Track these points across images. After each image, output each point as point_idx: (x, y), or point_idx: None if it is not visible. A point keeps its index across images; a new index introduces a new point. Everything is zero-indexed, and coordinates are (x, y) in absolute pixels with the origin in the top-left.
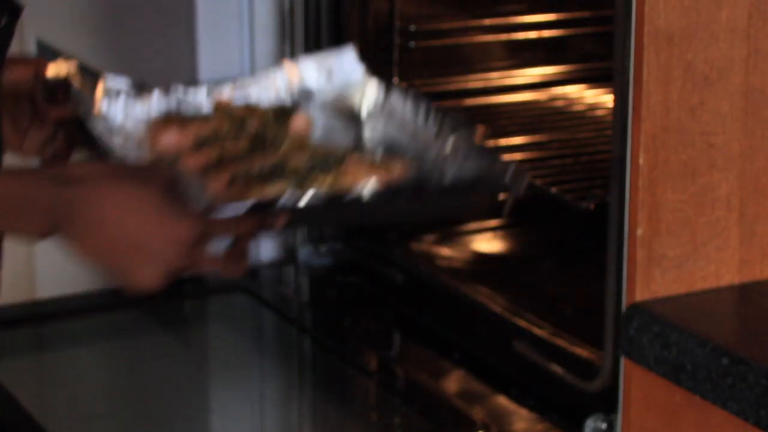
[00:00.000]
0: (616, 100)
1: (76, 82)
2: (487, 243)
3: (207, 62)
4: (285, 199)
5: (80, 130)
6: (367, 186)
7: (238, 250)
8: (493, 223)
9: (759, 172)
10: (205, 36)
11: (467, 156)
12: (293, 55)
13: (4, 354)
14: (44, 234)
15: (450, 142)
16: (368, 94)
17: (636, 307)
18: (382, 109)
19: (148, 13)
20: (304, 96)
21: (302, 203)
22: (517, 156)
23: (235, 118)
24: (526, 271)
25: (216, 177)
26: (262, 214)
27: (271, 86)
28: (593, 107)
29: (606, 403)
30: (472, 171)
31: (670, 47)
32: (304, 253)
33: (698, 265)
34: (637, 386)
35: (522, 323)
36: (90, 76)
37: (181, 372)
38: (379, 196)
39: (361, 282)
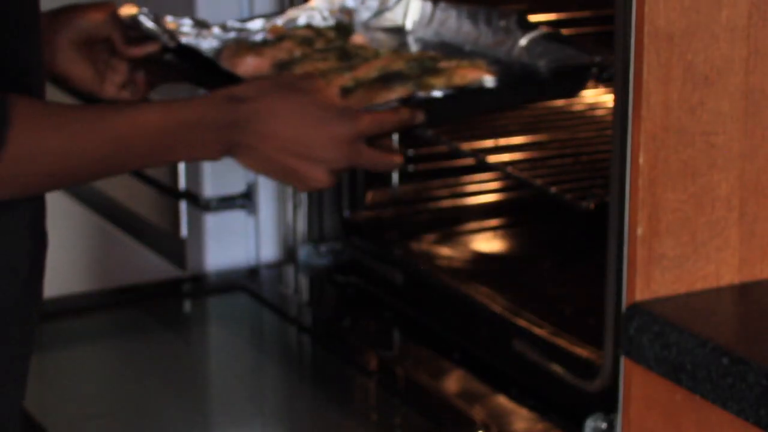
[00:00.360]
0: (616, 100)
1: (147, 21)
2: (487, 243)
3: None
4: (421, 96)
5: (160, 67)
6: (485, 78)
7: (387, 145)
8: (494, 223)
9: (759, 172)
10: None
11: (547, 46)
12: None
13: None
14: (221, 153)
15: (525, 37)
16: (412, 8)
17: (636, 307)
18: (431, 19)
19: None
20: (345, 15)
21: (439, 95)
22: (517, 156)
23: (304, 40)
24: (526, 271)
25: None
26: (404, 110)
27: (315, 11)
28: (593, 107)
29: (606, 403)
30: (564, 56)
31: (670, 47)
32: (304, 253)
33: (698, 265)
34: (637, 386)
35: (522, 323)
36: (152, 15)
37: (181, 372)
38: (499, 85)
39: (361, 282)
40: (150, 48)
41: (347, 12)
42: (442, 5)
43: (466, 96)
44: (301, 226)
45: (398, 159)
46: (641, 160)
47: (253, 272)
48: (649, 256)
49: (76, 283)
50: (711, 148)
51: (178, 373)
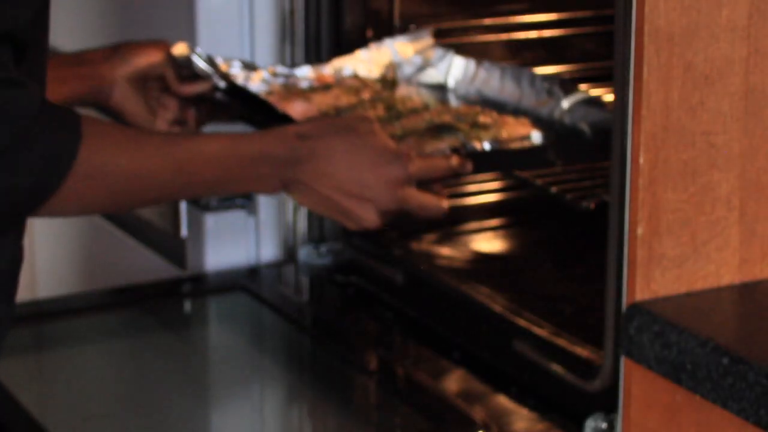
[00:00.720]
0: (616, 100)
1: (200, 61)
2: (487, 243)
3: None
4: (471, 147)
5: (211, 105)
6: (533, 135)
7: (436, 190)
8: (494, 223)
9: (759, 172)
10: (205, 36)
11: (588, 109)
12: (293, 55)
13: (4, 354)
14: (278, 188)
15: (568, 99)
16: (455, 65)
17: (636, 307)
18: (473, 78)
19: (148, 13)
20: (390, 69)
21: (488, 148)
22: None
23: (351, 89)
24: (526, 271)
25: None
26: (455, 158)
27: (360, 62)
28: None
29: (606, 403)
30: (604, 119)
31: (670, 47)
32: (304, 253)
33: (698, 265)
34: (638, 386)
35: (522, 323)
36: (204, 55)
37: (181, 372)
38: (545, 142)
39: (361, 282)
40: (202, 87)
41: (391, 66)
42: (486, 64)
43: (513, 151)
44: (301, 226)
45: (445, 204)
46: (641, 160)
47: (253, 272)
48: (649, 256)
49: (76, 283)
50: (711, 148)
51: (178, 373)
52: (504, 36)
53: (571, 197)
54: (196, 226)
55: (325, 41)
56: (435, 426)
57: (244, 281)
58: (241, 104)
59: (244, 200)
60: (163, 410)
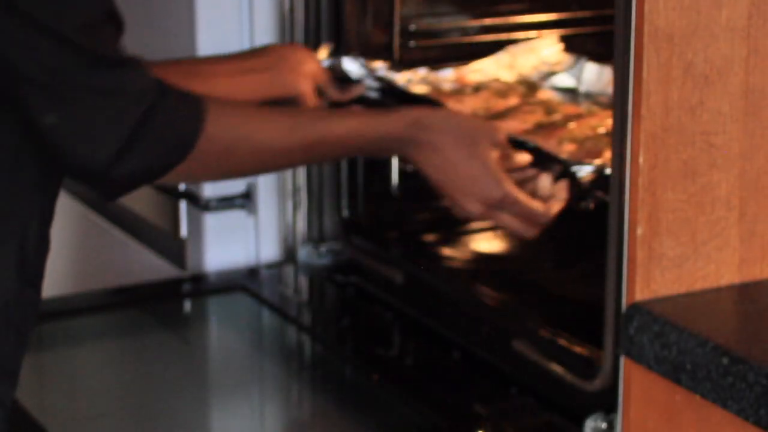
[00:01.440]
0: (616, 100)
1: (352, 64)
2: (487, 243)
3: None
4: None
5: (366, 106)
6: None
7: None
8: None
9: (759, 172)
10: (204, 36)
11: None
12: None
13: None
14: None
15: None
16: (587, 70)
17: (636, 307)
18: (608, 82)
19: (148, 12)
20: (534, 73)
21: None
22: None
23: (499, 92)
24: (526, 271)
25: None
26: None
27: (503, 66)
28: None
29: (606, 403)
30: None
31: (670, 47)
32: (304, 253)
33: (698, 265)
34: (637, 386)
35: (522, 323)
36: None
37: (181, 372)
38: None
39: (361, 282)
40: (358, 90)
41: (535, 69)
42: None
43: None
44: (301, 226)
45: (531, 233)
46: (641, 160)
47: (253, 272)
48: (649, 256)
49: (76, 283)
50: (711, 148)
51: (178, 373)
52: (504, 36)
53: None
54: (195, 226)
55: (325, 41)
56: (435, 426)
57: (244, 281)
58: (395, 103)
59: (244, 200)
60: (163, 410)
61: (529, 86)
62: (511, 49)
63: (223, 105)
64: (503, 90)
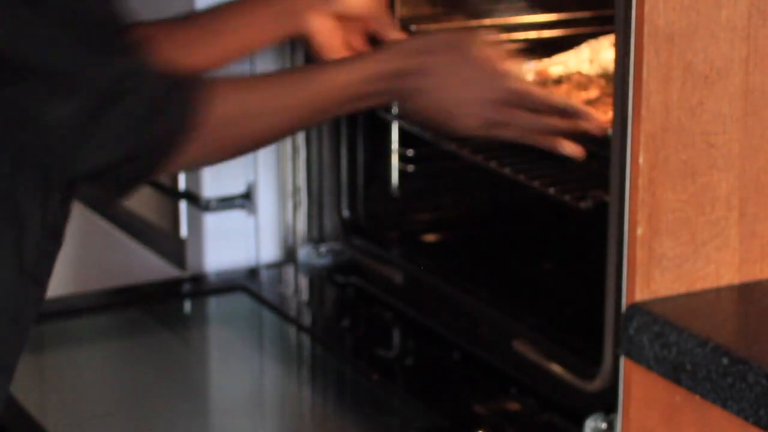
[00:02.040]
0: (615, 100)
1: None
2: (487, 243)
3: None
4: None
5: None
6: None
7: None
8: (493, 223)
9: (759, 172)
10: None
11: None
12: (293, 54)
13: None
14: (388, 101)
15: None
16: None
17: (636, 307)
18: None
19: (148, 11)
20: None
21: None
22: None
23: (579, 84)
24: (526, 271)
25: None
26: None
27: (583, 60)
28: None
29: (606, 403)
30: None
31: (670, 47)
32: (304, 253)
33: (698, 265)
34: (637, 386)
35: (522, 323)
36: None
37: (181, 372)
38: None
39: (360, 282)
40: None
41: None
42: None
43: None
44: (301, 226)
45: (570, 148)
46: (641, 160)
47: (253, 272)
48: (649, 256)
49: (76, 283)
50: (711, 148)
51: (178, 374)
52: (503, 36)
53: (570, 197)
54: (195, 226)
55: None
56: (435, 426)
57: (244, 281)
58: None
59: (244, 200)
60: (162, 410)
61: (610, 79)
62: (593, 44)
63: (225, 85)
64: (584, 83)
